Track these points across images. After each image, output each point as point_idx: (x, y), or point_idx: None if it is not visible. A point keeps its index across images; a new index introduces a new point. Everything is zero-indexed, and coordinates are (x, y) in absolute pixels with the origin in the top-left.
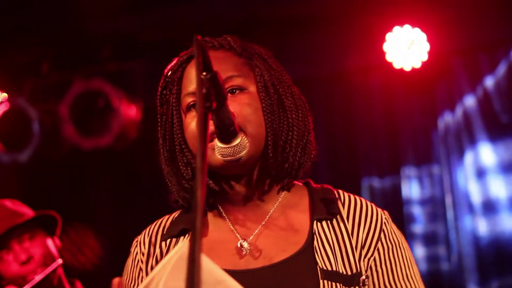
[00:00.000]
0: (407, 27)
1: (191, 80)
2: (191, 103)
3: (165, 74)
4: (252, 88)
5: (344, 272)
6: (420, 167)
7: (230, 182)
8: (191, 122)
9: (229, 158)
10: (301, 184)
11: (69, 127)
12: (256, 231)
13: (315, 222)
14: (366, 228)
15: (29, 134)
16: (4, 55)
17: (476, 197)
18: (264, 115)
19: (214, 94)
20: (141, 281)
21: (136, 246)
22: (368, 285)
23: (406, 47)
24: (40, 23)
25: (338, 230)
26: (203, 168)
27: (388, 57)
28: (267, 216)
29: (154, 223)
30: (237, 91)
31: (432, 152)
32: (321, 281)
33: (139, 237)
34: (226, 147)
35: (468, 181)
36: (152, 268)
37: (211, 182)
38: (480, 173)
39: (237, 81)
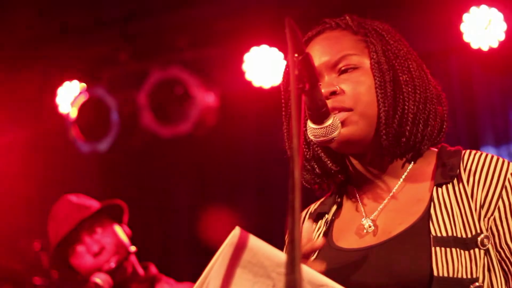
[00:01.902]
0: (483, 7)
1: None
2: None
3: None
4: (367, 65)
5: (464, 235)
6: (499, 148)
7: (351, 160)
8: None
9: (321, 138)
10: (434, 149)
11: (148, 116)
12: (380, 206)
13: (435, 188)
14: (486, 187)
15: (108, 123)
16: (82, 46)
17: None
18: (377, 93)
19: (306, 76)
20: None
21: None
22: (489, 245)
23: (483, 27)
24: (117, 14)
25: (458, 192)
26: (299, 148)
27: (466, 38)
28: (393, 190)
29: (309, 206)
30: (351, 69)
31: (511, 132)
32: (432, 249)
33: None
34: (318, 128)
35: None
36: None
37: (329, 161)
38: None
39: (351, 60)
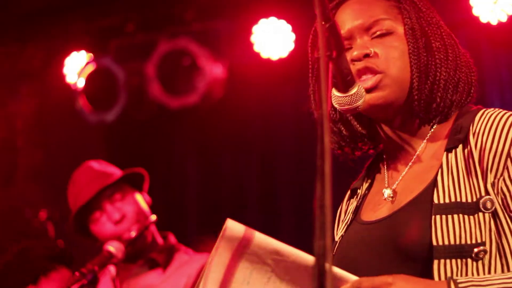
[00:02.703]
0: None
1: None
2: None
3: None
4: (400, 31)
5: (469, 200)
6: None
7: (380, 125)
8: None
9: (346, 107)
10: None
11: (156, 87)
12: (402, 175)
13: (445, 153)
14: (493, 149)
15: (115, 93)
16: (90, 17)
17: None
18: (410, 58)
19: (333, 43)
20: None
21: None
22: (496, 208)
23: (493, 2)
24: None
25: (466, 156)
26: (327, 115)
27: (475, 12)
28: (414, 156)
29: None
30: (385, 34)
31: None
32: (432, 217)
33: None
34: (343, 96)
35: None
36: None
37: (357, 124)
38: None
39: (385, 24)
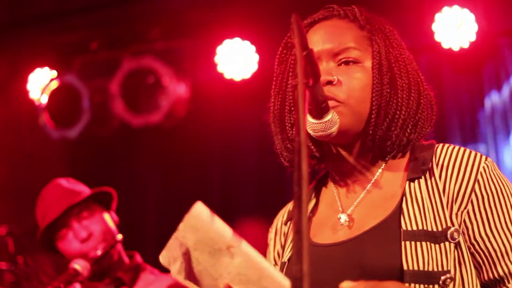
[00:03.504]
0: (456, 7)
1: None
2: None
3: (289, 33)
4: (367, 64)
5: (434, 229)
6: (467, 146)
7: (337, 149)
8: None
9: (320, 133)
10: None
11: (119, 104)
12: (357, 201)
13: (407, 183)
14: (458, 181)
15: (79, 110)
16: (54, 34)
17: None
18: (372, 93)
19: (310, 71)
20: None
21: (270, 232)
22: (459, 239)
23: (455, 28)
24: (89, 3)
25: (430, 187)
26: (305, 142)
27: (437, 37)
28: (368, 185)
29: (283, 209)
30: (351, 63)
31: (478, 132)
32: (402, 243)
33: (280, 211)
34: (317, 123)
35: None
36: (277, 253)
37: (313, 147)
38: None
39: (354, 54)
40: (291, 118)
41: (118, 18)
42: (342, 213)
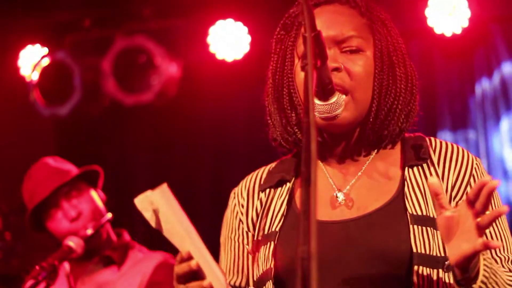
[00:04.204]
0: None
1: None
2: None
3: (288, 14)
4: (369, 52)
5: (435, 216)
6: (456, 132)
7: (331, 138)
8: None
9: (325, 115)
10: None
11: (111, 83)
12: (352, 182)
13: (406, 169)
14: (456, 171)
15: (70, 88)
16: (46, 11)
17: (511, 163)
18: (374, 81)
19: (318, 53)
20: (242, 232)
21: (234, 198)
22: None
23: (447, 13)
24: None
25: (429, 174)
26: (314, 123)
27: (429, 23)
28: (363, 168)
29: (251, 175)
30: (354, 51)
31: (468, 118)
32: (411, 226)
33: (236, 189)
34: (323, 104)
35: (503, 147)
36: (252, 219)
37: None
38: None
39: (356, 42)
40: (290, 101)
41: None
42: (340, 191)
